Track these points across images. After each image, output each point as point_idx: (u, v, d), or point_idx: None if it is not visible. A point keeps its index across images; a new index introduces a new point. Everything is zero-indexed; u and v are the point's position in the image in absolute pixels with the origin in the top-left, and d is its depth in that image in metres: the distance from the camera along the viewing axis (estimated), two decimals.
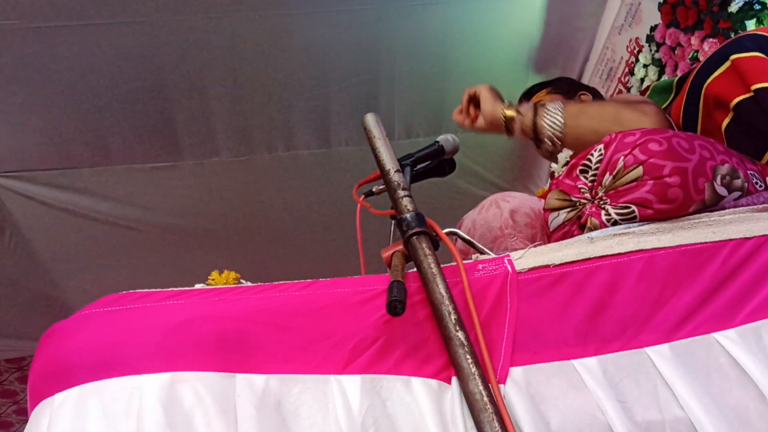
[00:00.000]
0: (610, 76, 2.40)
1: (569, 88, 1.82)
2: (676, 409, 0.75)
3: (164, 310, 0.80)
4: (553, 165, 2.12)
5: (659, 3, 2.00)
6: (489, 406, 0.67)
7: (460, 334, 0.73)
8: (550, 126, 1.22)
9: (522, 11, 2.33)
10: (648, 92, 1.54)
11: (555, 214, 1.06)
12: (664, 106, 1.42)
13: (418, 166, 1.33)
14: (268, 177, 2.68)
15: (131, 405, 0.70)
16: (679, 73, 1.88)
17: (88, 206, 2.65)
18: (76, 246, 2.79)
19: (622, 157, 0.95)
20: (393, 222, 1.20)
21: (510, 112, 1.30)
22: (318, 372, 0.76)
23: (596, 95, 1.84)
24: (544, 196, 1.15)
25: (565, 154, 1.51)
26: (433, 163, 1.37)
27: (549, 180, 2.72)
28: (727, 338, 0.81)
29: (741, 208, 0.95)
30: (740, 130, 1.12)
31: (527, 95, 1.84)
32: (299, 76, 2.37)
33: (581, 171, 1.03)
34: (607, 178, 0.97)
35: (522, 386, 0.77)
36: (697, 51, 1.84)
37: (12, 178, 2.51)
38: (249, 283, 0.94)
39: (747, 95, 1.09)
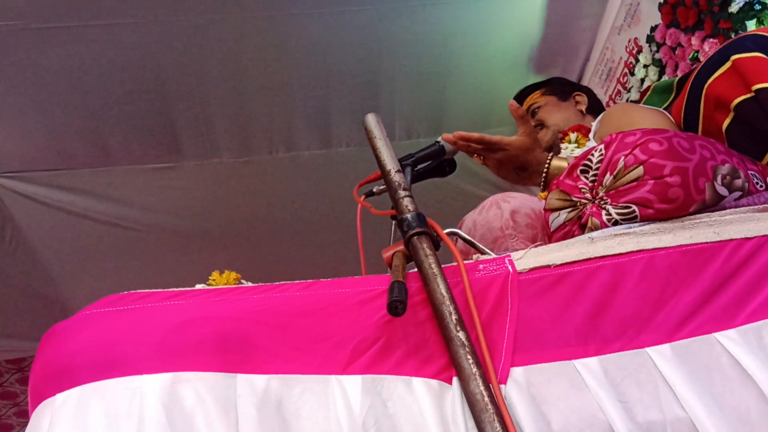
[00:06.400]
0: (609, 77, 2.40)
1: (563, 89, 1.82)
2: (677, 410, 0.75)
3: (165, 310, 0.80)
4: None
5: (659, 3, 2.00)
6: (490, 406, 0.67)
7: (461, 335, 0.73)
8: None
9: (522, 11, 2.33)
10: (648, 93, 1.54)
11: (556, 214, 1.06)
12: (664, 107, 1.42)
13: (419, 167, 1.34)
14: (268, 178, 2.68)
15: (132, 405, 0.70)
16: (679, 74, 1.88)
17: (89, 207, 2.65)
18: (76, 246, 2.79)
19: (622, 157, 0.95)
20: (394, 222, 1.20)
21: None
22: (319, 372, 0.76)
23: (591, 95, 1.83)
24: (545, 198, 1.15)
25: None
26: (434, 164, 1.37)
27: None
28: (729, 338, 0.81)
29: (742, 209, 0.95)
30: (741, 131, 1.12)
31: (520, 97, 1.83)
32: (300, 77, 2.37)
33: (582, 171, 1.03)
34: (608, 178, 0.97)
35: (523, 386, 0.77)
36: (697, 51, 1.84)
37: (12, 178, 2.51)
38: (250, 284, 0.94)
39: (748, 95, 1.09)
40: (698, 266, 0.87)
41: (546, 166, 1.28)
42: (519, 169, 1.32)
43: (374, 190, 1.28)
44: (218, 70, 2.30)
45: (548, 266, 0.87)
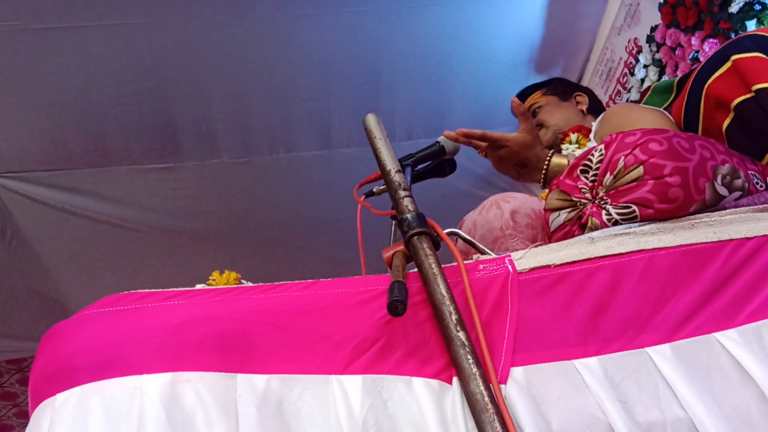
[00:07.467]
0: (609, 77, 2.40)
1: (564, 89, 1.82)
2: (678, 409, 0.75)
3: (165, 310, 0.80)
4: None
5: (659, 3, 2.00)
6: (490, 406, 0.67)
7: (461, 335, 0.73)
8: None
9: (522, 12, 2.33)
10: (648, 93, 1.54)
11: (556, 214, 1.06)
12: (664, 107, 1.42)
13: (419, 167, 1.34)
14: (268, 178, 2.68)
15: (132, 405, 0.70)
16: (679, 74, 1.88)
17: (89, 207, 2.65)
18: (76, 246, 2.79)
19: (622, 157, 0.95)
20: (394, 222, 1.20)
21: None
22: (319, 372, 0.76)
23: (591, 96, 1.84)
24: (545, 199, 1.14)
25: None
26: (434, 164, 1.38)
27: None
28: (729, 338, 0.81)
29: (742, 209, 0.95)
30: (741, 131, 1.12)
31: (521, 97, 1.84)
32: (300, 78, 2.37)
33: (582, 171, 1.03)
34: (608, 178, 0.97)
35: (523, 386, 0.77)
36: (697, 51, 1.84)
37: (12, 178, 2.51)
38: (250, 284, 0.94)
39: (748, 95, 1.09)
40: (698, 266, 0.87)
41: (546, 163, 1.29)
42: (519, 165, 1.32)
43: (374, 190, 1.28)
44: (218, 71, 2.30)
45: (548, 266, 0.87)
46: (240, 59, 2.27)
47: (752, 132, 1.11)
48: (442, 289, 0.77)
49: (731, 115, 1.12)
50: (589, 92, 1.86)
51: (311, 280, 0.87)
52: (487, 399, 0.68)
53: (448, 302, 0.76)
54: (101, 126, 2.38)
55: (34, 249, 2.78)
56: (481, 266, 0.88)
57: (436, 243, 0.84)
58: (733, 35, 1.64)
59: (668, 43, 1.98)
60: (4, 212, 2.61)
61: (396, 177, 0.92)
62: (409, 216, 0.85)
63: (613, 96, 2.39)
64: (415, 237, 0.82)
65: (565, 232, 1.03)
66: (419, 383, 0.76)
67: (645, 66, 2.12)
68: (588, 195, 1.01)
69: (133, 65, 2.21)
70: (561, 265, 0.87)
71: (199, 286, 0.98)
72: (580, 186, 1.02)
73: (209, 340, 0.76)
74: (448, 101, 2.54)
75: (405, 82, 2.45)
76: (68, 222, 2.67)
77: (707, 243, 0.88)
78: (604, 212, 0.97)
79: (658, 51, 2.04)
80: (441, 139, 1.37)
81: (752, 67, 1.09)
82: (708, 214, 0.94)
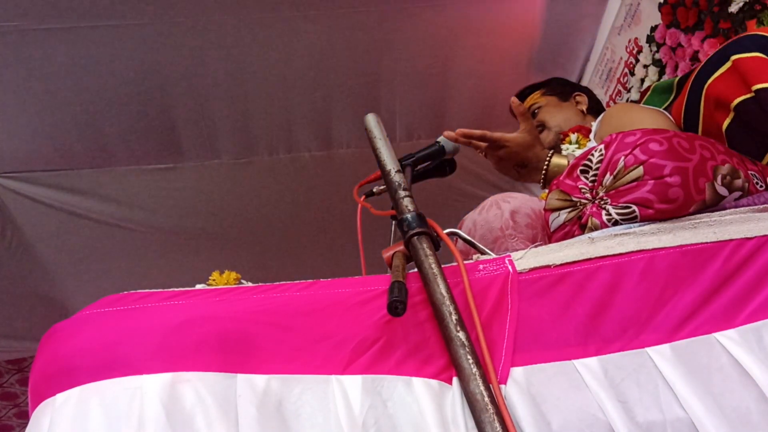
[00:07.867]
0: (609, 77, 2.40)
1: (563, 89, 1.82)
2: (678, 410, 0.75)
3: (165, 310, 0.80)
4: None
5: (659, 3, 2.00)
6: (490, 406, 0.67)
7: (461, 335, 0.73)
8: None
9: (522, 11, 2.33)
10: (648, 93, 1.54)
11: (556, 214, 1.06)
12: (664, 107, 1.42)
13: (419, 167, 1.34)
14: (268, 179, 2.69)
15: (132, 405, 0.70)
16: (679, 74, 1.88)
17: (89, 207, 2.65)
18: (76, 246, 2.79)
19: (622, 157, 0.95)
20: (394, 222, 1.20)
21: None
22: (319, 372, 0.76)
23: (591, 96, 1.83)
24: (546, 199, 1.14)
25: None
26: (434, 164, 1.37)
27: None
28: (729, 338, 0.81)
29: (742, 209, 0.95)
30: (741, 131, 1.12)
31: (520, 97, 1.83)
32: (300, 78, 2.37)
33: (582, 171, 1.03)
34: (608, 178, 0.97)
35: (523, 386, 0.77)
36: (697, 51, 1.84)
37: (12, 179, 2.51)
38: (250, 284, 0.94)
39: (748, 95, 1.09)
40: (698, 266, 0.87)
41: (546, 163, 1.29)
42: (519, 165, 1.32)
43: (374, 190, 1.28)
44: (219, 71, 2.30)
45: (548, 266, 0.87)
46: (240, 59, 2.27)
47: (752, 132, 1.11)
48: (442, 289, 0.77)
49: (731, 115, 1.12)
50: (588, 92, 1.86)
51: (311, 280, 0.87)
52: (487, 399, 0.68)
53: (448, 302, 0.76)
54: (101, 126, 2.38)
55: (35, 249, 2.78)
56: (481, 266, 0.88)
57: (436, 243, 0.84)
58: (733, 35, 1.64)
59: (668, 43, 1.98)
60: (5, 212, 2.61)
61: (396, 177, 0.92)
62: (409, 216, 0.85)
63: (613, 96, 2.39)
64: (415, 237, 0.82)
65: (565, 232, 1.03)
66: (419, 383, 0.76)
67: (645, 66, 2.12)
68: (588, 195, 1.01)
69: (133, 65, 2.21)
70: (561, 265, 0.87)
71: (199, 286, 0.98)
72: (580, 186, 1.02)
73: (209, 340, 0.76)
74: (448, 101, 2.54)
75: (405, 82, 2.45)
76: (68, 222, 2.68)
77: (707, 243, 0.88)
78: (604, 212, 0.97)
79: (658, 51, 2.04)
80: (441, 139, 1.37)
81: (752, 67, 1.09)
82: (708, 214, 0.94)
